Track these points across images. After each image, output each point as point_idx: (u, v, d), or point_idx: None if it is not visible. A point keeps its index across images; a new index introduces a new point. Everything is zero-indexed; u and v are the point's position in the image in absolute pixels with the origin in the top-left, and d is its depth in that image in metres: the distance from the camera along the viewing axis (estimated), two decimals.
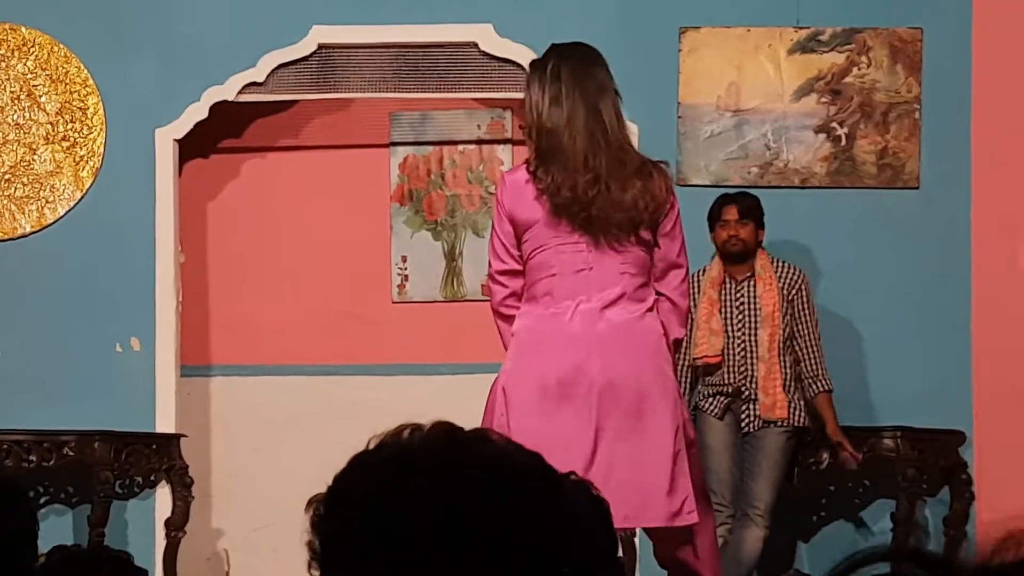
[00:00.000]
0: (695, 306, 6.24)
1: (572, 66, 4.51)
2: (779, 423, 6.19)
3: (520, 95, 7.04)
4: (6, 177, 7.03)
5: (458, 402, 7.43)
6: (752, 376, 6.21)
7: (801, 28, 6.92)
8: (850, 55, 6.93)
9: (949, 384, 6.82)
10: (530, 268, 4.50)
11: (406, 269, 7.69)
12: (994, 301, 6.84)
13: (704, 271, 6.33)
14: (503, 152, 7.66)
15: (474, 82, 7.04)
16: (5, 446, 6.57)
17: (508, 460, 1.45)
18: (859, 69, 6.93)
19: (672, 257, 4.51)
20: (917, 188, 6.91)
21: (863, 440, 6.53)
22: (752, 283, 6.29)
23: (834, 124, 6.95)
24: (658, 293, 4.53)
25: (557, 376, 4.39)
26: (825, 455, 6.50)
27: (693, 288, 6.31)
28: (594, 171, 4.38)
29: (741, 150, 6.95)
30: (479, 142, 7.69)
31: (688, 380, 6.26)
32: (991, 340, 6.82)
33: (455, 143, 7.70)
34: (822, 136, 6.94)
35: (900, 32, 6.92)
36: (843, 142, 6.95)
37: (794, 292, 6.30)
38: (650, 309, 4.47)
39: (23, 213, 7.03)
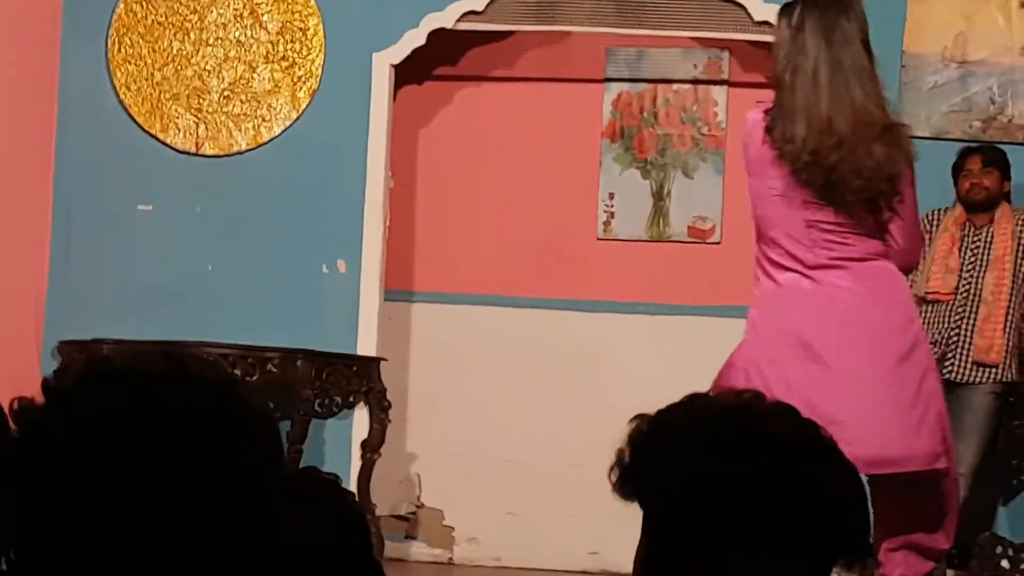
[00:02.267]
0: (930, 242, 6.13)
1: (818, 16, 4.36)
2: (990, 371, 6.07)
3: (739, 36, 6.96)
4: (225, 94, 7.14)
5: (655, 343, 7.42)
6: (971, 320, 6.09)
7: None
8: None
9: None
10: (764, 219, 4.41)
11: (613, 206, 7.64)
12: None
13: (945, 210, 6.24)
14: (718, 93, 7.55)
15: (693, 21, 6.95)
16: (211, 359, 6.70)
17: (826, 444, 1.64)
18: None
19: (900, 230, 4.40)
20: None
21: None
22: (989, 230, 6.18)
23: None
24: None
25: (799, 334, 4.30)
26: None
27: (932, 224, 6.21)
28: (838, 134, 4.25)
29: (964, 103, 6.75)
30: (695, 82, 7.58)
31: None
32: None
33: (670, 82, 7.61)
34: None
35: None
36: None
37: None
38: (882, 269, 4.39)
39: (240, 130, 7.13)
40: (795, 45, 4.34)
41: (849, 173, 4.25)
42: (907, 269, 4.52)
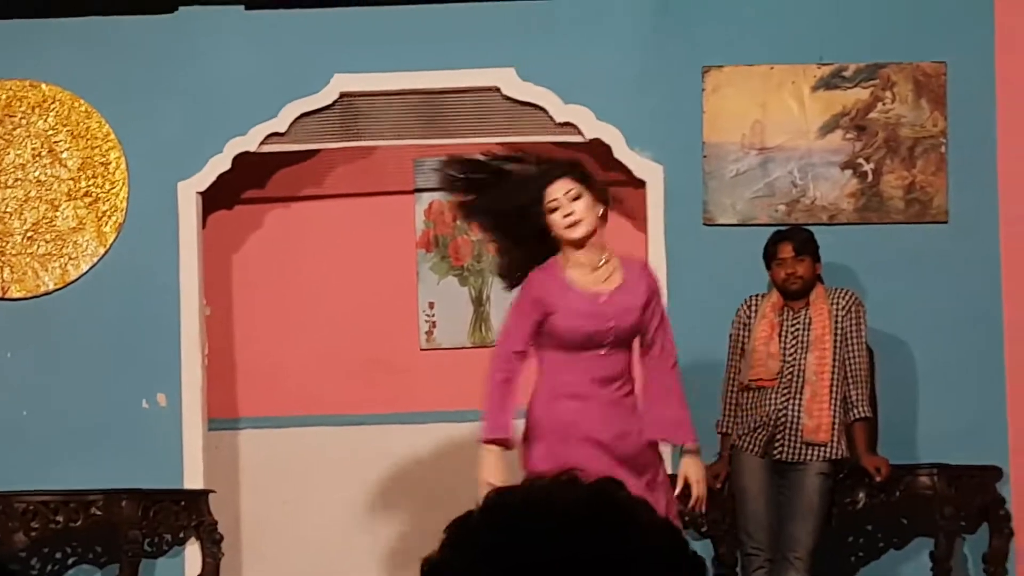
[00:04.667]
0: (751, 328, 6.22)
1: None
2: (820, 450, 6.15)
3: (542, 138, 7.04)
4: (28, 235, 7.02)
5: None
6: (798, 401, 6.17)
7: (824, 64, 6.87)
8: (874, 90, 6.87)
9: (984, 419, 6.74)
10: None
11: (433, 316, 7.64)
12: None
13: (763, 297, 6.32)
14: None
15: (497, 126, 7.01)
16: (32, 507, 6.53)
17: (634, 537, 1.52)
18: (884, 104, 6.88)
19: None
20: (946, 222, 6.85)
21: (899, 479, 6.47)
22: (807, 313, 6.27)
23: (860, 160, 6.89)
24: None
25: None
26: (861, 495, 6.44)
27: (751, 311, 6.29)
28: None
29: (767, 188, 6.89)
30: None
31: (732, 405, 6.26)
32: None
33: None
34: (848, 172, 6.89)
35: (924, 66, 6.86)
36: (869, 178, 6.89)
37: (843, 314, 6.29)
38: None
39: (46, 270, 7.01)
40: None
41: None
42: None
